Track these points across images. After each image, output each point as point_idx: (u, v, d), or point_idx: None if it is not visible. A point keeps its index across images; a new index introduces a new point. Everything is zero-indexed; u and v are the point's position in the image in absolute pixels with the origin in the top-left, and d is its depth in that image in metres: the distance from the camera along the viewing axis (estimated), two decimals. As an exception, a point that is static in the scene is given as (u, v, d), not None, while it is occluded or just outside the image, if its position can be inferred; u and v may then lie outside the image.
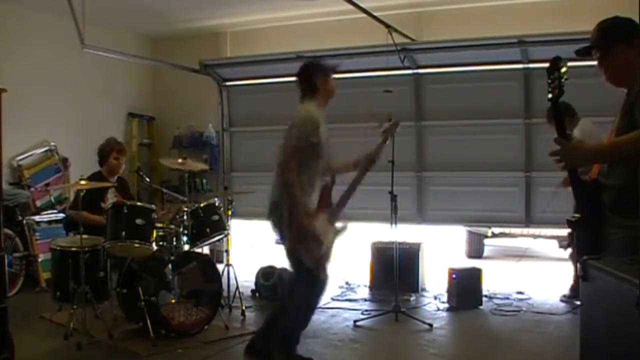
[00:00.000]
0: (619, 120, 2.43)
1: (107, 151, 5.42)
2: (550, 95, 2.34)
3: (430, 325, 5.06)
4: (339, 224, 3.99)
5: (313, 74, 4.05)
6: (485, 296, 5.91)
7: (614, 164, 2.39)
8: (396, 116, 5.54)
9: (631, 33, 2.46)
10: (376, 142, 4.30)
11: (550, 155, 2.36)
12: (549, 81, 2.32)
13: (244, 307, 5.46)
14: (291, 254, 3.84)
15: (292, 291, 3.99)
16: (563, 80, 2.28)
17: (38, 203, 6.91)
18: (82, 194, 4.84)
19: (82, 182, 4.73)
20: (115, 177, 5.49)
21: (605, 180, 2.41)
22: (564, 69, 2.28)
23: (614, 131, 2.44)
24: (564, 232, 7.83)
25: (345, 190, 4.07)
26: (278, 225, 3.82)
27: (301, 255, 3.78)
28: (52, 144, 7.24)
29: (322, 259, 3.87)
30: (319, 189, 3.95)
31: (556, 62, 2.30)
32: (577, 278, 4.30)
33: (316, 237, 3.76)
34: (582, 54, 2.54)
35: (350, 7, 6.02)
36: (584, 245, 2.43)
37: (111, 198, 5.32)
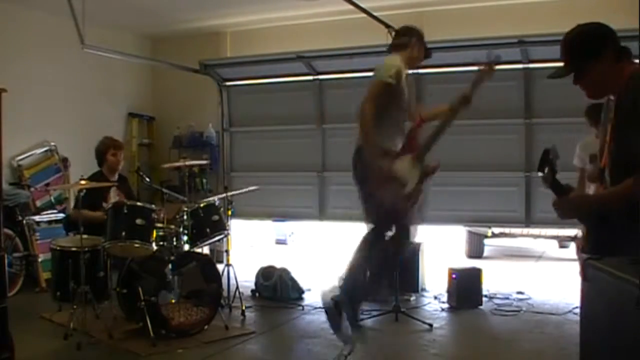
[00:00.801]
0: (610, 134, 2.39)
1: (104, 150, 5.44)
2: (548, 182, 2.34)
3: (430, 325, 5.06)
4: (426, 164, 3.90)
5: (412, 35, 4.13)
6: (485, 296, 5.91)
7: (619, 173, 2.36)
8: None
9: (598, 45, 2.37)
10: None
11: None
12: (541, 173, 2.33)
13: (244, 307, 5.46)
14: (371, 200, 3.78)
15: (370, 243, 3.89)
16: (555, 165, 2.30)
17: (38, 203, 6.91)
18: (82, 194, 4.83)
19: (82, 182, 4.73)
20: (116, 175, 5.50)
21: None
22: (553, 159, 2.30)
23: (608, 146, 2.41)
24: (564, 232, 7.85)
25: (433, 130, 3.99)
26: (361, 168, 3.78)
27: (383, 198, 3.72)
28: (52, 144, 7.24)
29: (405, 200, 3.80)
30: (405, 132, 3.95)
31: (545, 155, 2.31)
32: None
33: (398, 178, 3.73)
34: (556, 77, 2.45)
35: (350, 7, 6.02)
36: (593, 246, 2.41)
37: (113, 197, 5.33)
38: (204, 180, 8.27)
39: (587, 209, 2.42)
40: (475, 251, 8.74)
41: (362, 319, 4.05)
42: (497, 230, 8.26)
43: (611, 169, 2.40)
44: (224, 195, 5.75)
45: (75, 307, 4.53)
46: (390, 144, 3.85)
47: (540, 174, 2.35)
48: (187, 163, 5.43)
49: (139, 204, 4.94)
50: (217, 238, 5.28)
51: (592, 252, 2.29)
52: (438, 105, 4.21)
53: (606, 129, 2.45)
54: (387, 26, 6.30)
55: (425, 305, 5.85)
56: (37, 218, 6.68)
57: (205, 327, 4.78)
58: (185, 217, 4.97)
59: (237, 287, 5.59)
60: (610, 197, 2.34)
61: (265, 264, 6.44)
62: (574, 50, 2.39)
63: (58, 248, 4.83)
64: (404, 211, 3.85)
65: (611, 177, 2.39)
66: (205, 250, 6.05)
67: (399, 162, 3.80)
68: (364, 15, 6.20)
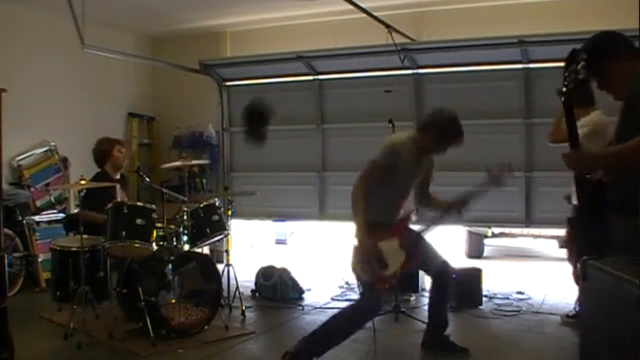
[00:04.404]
0: (619, 125, 2.41)
1: (109, 147, 5.44)
2: (564, 89, 2.29)
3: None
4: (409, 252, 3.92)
5: (433, 124, 4.01)
6: (485, 296, 5.91)
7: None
8: (396, 116, 5.57)
9: (612, 43, 2.43)
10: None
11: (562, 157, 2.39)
12: (566, 74, 2.27)
13: (244, 307, 5.46)
14: (354, 268, 3.85)
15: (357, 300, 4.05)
16: (580, 76, 2.24)
17: (38, 203, 6.90)
18: (82, 194, 4.84)
19: (82, 182, 4.73)
20: (119, 174, 5.51)
21: (608, 179, 2.40)
22: (581, 63, 2.23)
23: (615, 138, 2.42)
24: (564, 232, 7.84)
25: (427, 223, 4.09)
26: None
27: (359, 271, 3.81)
28: (52, 144, 7.24)
29: (381, 281, 3.84)
30: (401, 213, 3.99)
31: (575, 55, 2.25)
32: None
33: (379, 257, 3.77)
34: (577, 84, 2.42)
35: (350, 7, 6.02)
36: (586, 245, 2.42)
37: (120, 196, 5.33)
38: (204, 180, 8.26)
39: (591, 161, 2.45)
40: (475, 251, 8.74)
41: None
42: (497, 230, 8.26)
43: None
44: (216, 195, 5.75)
45: (75, 307, 4.52)
46: (383, 220, 3.88)
47: (565, 74, 2.27)
48: (187, 163, 5.42)
49: (139, 204, 4.94)
50: (217, 238, 5.28)
51: (582, 250, 2.31)
52: (440, 198, 4.25)
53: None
54: (387, 26, 6.30)
55: (425, 305, 5.80)
56: (37, 218, 6.67)
57: (205, 327, 4.78)
58: (185, 217, 4.97)
59: (237, 287, 5.59)
60: (628, 148, 2.29)
61: (265, 264, 6.44)
62: (590, 54, 2.41)
63: (58, 248, 4.83)
64: (384, 289, 3.91)
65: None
66: (205, 250, 6.04)
67: (385, 242, 3.82)
68: (364, 15, 6.20)
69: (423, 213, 4.20)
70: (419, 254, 3.99)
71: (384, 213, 3.93)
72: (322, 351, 3.86)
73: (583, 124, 4.87)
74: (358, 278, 3.94)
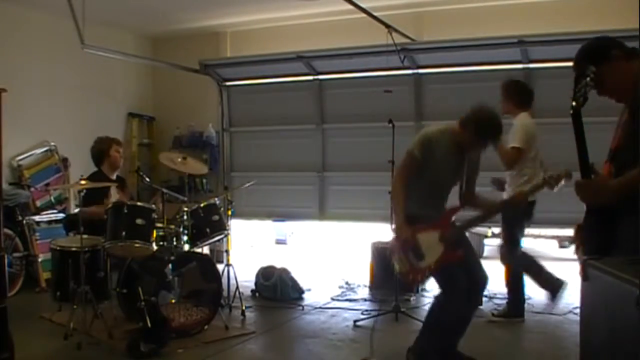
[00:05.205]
0: (625, 131, 2.37)
1: (106, 147, 5.45)
2: (573, 104, 2.21)
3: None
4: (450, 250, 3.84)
5: (471, 121, 3.91)
6: (485, 296, 5.91)
7: (625, 165, 2.32)
8: (396, 116, 5.56)
9: (606, 47, 2.40)
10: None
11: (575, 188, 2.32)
12: (576, 90, 2.20)
13: (244, 307, 5.46)
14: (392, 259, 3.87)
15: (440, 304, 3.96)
16: (589, 88, 2.18)
17: (38, 203, 6.90)
18: (82, 193, 4.84)
19: (82, 182, 4.73)
20: (115, 175, 5.51)
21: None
22: (591, 76, 2.18)
23: (616, 145, 2.39)
24: (564, 232, 7.84)
25: (468, 220, 4.04)
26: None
27: (395, 260, 3.81)
28: (52, 144, 7.24)
29: (415, 272, 3.82)
30: (444, 208, 3.95)
31: (583, 70, 2.19)
32: None
33: (417, 248, 3.75)
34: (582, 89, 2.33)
35: (350, 7, 6.02)
36: (594, 247, 2.38)
37: (114, 195, 5.33)
38: (204, 180, 8.27)
39: (608, 193, 2.31)
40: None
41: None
42: (497, 230, 8.25)
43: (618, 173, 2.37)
44: (216, 195, 5.74)
45: (75, 307, 4.52)
46: (424, 212, 3.85)
47: (575, 89, 2.20)
48: (186, 171, 5.38)
49: (139, 204, 4.94)
50: (217, 238, 5.27)
51: (594, 252, 2.27)
52: (488, 198, 4.23)
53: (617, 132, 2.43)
54: (387, 26, 6.31)
55: (425, 305, 5.84)
56: (37, 218, 6.67)
57: (205, 327, 4.78)
58: (185, 217, 4.97)
59: (237, 287, 5.59)
60: (632, 179, 2.24)
61: (265, 264, 6.44)
62: (586, 59, 2.40)
63: (58, 248, 4.82)
64: (415, 280, 3.91)
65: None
66: (205, 250, 6.05)
67: (424, 234, 3.80)
68: (364, 15, 6.20)
69: (468, 210, 4.09)
70: (461, 254, 3.88)
71: (425, 206, 3.87)
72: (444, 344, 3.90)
73: (515, 123, 4.93)
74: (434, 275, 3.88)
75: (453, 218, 3.96)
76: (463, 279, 3.76)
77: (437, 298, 4.01)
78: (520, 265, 5.25)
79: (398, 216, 3.82)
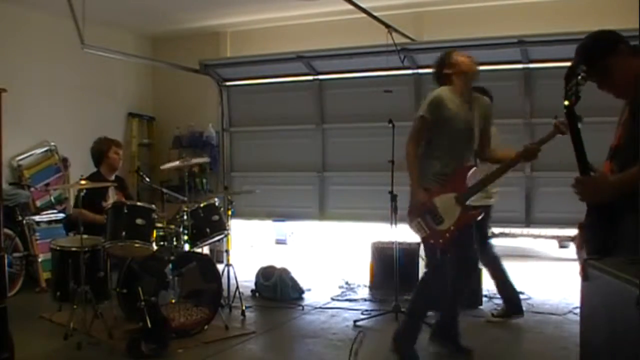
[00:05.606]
0: (621, 134, 2.36)
1: (106, 148, 5.44)
2: (566, 103, 2.21)
3: (430, 325, 5.05)
4: (468, 210, 3.92)
5: (442, 64, 4.17)
6: (485, 296, 5.90)
7: (626, 163, 2.30)
8: (396, 116, 5.57)
9: (611, 41, 2.40)
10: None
11: (572, 186, 2.30)
12: (567, 88, 2.21)
13: (244, 307, 5.46)
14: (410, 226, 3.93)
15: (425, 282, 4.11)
16: (580, 86, 2.18)
17: (38, 203, 6.91)
18: (82, 193, 4.84)
19: (82, 182, 4.73)
20: (114, 176, 5.51)
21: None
22: (582, 75, 2.19)
23: (620, 142, 2.38)
24: (564, 232, 7.84)
25: (484, 177, 4.06)
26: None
27: (413, 227, 3.86)
28: (52, 144, 7.24)
29: (435, 236, 3.85)
30: (460, 168, 3.96)
31: (574, 70, 2.20)
32: None
33: (434, 212, 3.79)
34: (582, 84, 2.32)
35: (350, 7, 6.03)
36: (597, 245, 2.37)
37: (112, 196, 5.33)
38: (204, 180, 8.27)
39: (609, 190, 2.27)
40: (475, 251, 8.72)
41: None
42: (497, 230, 8.25)
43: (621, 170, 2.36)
44: (216, 195, 5.74)
45: (75, 307, 4.52)
46: (447, 170, 3.89)
47: (566, 88, 2.21)
48: (187, 163, 5.40)
49: (139, 204, 4.94)
50: (217, 238, 5.27)
51: (597, 250, 2.26)
52: (505, 150, 4.23)
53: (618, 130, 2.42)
54: (387, 26, 6.30)
55: (425, 305, 5.84)
56: (37, 218, 6.67)
57: (205, 327, 4.78)
58: (185, 217, 4.97)
59: (237, 287, 5.59)
60: (631, 176, 2.22)
61: (265, 264, 6.44)
62: (591, 52, 2.40)
63: (58, 248, 4.82)
64: (439, 244, 3.89)
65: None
66: (205, 250, 6.04)
67: (440, 198, 3.83)
68: (364, 15, 6.20)
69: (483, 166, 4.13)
70: (478, 213, 3.97)
71: (449, 164, 3.89)
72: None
73: None
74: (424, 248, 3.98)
75: (466, 176, 3.97)
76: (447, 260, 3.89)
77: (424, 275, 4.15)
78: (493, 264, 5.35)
79: (413, 181, 3.85)
